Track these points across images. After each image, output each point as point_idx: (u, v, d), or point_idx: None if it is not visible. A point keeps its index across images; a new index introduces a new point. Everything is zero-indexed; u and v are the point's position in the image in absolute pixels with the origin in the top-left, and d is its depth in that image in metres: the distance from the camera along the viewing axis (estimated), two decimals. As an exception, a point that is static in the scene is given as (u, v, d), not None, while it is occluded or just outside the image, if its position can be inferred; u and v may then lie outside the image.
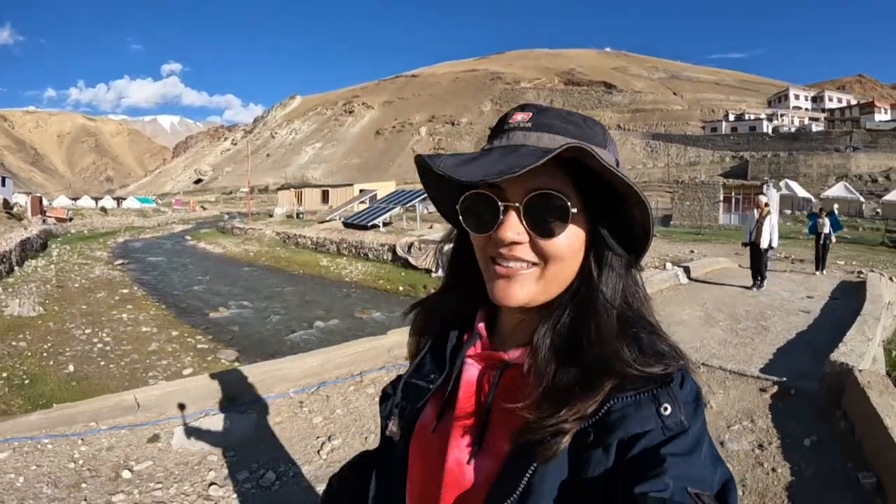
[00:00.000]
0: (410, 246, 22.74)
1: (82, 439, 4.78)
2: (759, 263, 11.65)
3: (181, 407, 5.16)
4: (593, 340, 0.82)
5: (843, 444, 4.34)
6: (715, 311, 9.17)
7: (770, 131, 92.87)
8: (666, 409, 0.76)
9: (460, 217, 0.89)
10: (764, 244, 11.53)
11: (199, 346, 13.32)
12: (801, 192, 43.31)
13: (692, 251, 16.98)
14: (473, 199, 0.87)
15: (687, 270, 12.70)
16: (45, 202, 67.85)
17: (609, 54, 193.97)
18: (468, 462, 0.88)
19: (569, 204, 0.82)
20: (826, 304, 9.73)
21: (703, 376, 5.88)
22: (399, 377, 1.05)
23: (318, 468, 4.47)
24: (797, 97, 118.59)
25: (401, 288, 20.26)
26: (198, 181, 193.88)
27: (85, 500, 4.01)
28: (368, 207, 35.72)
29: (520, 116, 0.87)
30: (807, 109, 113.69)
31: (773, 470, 4.10)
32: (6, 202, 48.58)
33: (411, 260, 22.19)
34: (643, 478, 0.71)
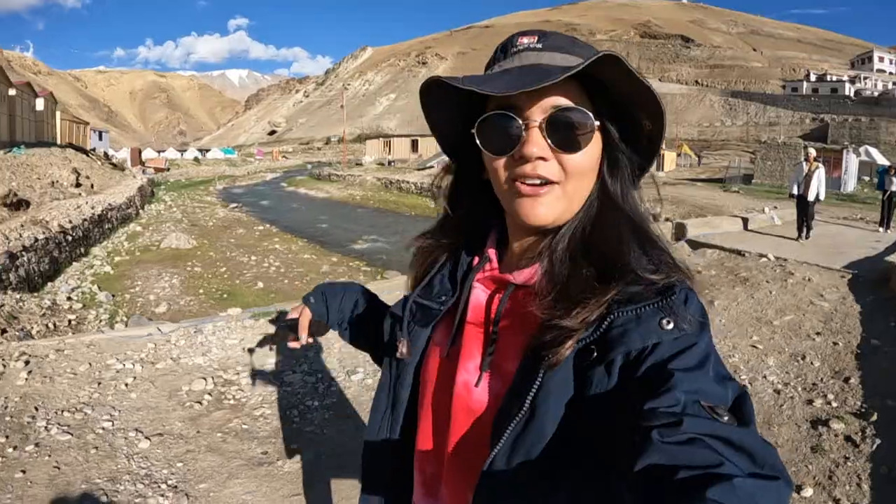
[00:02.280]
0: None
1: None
2: (804, 215, 11.83)
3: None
4: (604, 240, 0.85)
5: (887, 302, 6.98)
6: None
7: (852, 94, 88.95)
8: (668, 322, 0.76)
9: (478, 141, 0.89)
10: (811, 196, 11.71)
11: (362, 268, 15.17)
12: (882, 160, 41.77)
13: (775, 206, 18.47)
14: (494, 120, 0.87)
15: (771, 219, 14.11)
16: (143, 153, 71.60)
17: (685, 6, 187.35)
18: (476, 384, 0.90)
19: (592, 117, 0.84)
20: (890, 245, 11.43)
21: (809, 271, 8.40)
22: (405, 297, 1.07)
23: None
24: (881, 59, 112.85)
25: None
26: (272, 133, 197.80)
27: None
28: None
29: (526, 39, 0.88)
30: (891, 73, 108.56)
31: (848, 305, 6.90)
32: (106, 154, 52.12)
33: None
34: (653, 394, 0.70)
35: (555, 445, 0.78)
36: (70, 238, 18.84)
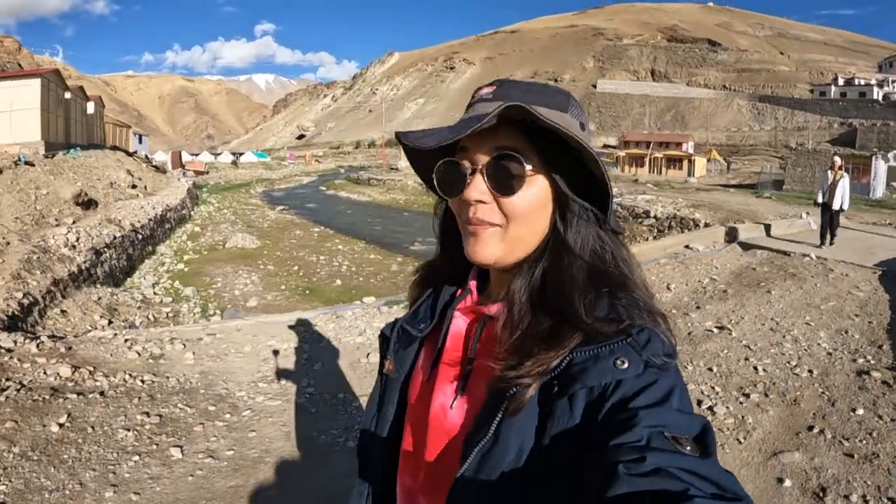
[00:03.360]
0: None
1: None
2: (830, 223, 12.05)
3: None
4: (557, 292, 0.87)
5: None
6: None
7: (880, 98, 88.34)
8: (623, 362, 0.78)
9: (436, 184, 0.96)
10: (836, 205, 11.93)
11: (427, 268, 16.60)
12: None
13: (807, 213, 19.38)
14: (445, 165, 0.94)
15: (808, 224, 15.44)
16: (184, 157, 72.85)
17: (712, 9, 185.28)
18: (451, 407, 0.95)
19: (523, 161, 0.87)
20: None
21: (846, 268, 9.85)
22: (396, 320, 1.13)
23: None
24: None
25: None
26: (300, 137, 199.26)
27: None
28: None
29: (485, 90, 0.93)
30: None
31: (879, 295, 8.17)
32: (147, 157, 53.50)
33: None
34: (618, 431, 0.72)
35: (518, 471, 0.82)
36: (140, 237, 19.82)
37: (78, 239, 16.20)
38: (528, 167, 0.88)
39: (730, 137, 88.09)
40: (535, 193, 0.89)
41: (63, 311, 11.40)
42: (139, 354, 6.21)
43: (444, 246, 1.10)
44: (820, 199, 12.36)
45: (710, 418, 4.70)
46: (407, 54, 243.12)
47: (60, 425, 4.53)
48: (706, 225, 16.24)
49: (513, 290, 0.92)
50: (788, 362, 5.88)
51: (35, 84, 33.24)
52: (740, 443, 4.37)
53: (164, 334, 6.92)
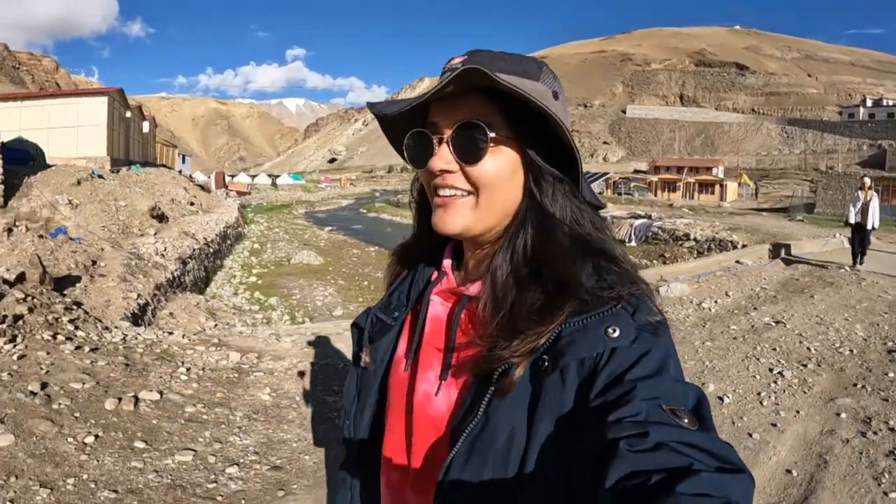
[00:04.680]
0: (603, 220, 27.15)
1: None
2: (861, 242, 12.56)
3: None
4: (551, 260, 0.86)
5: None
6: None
7: None
8: (614, 331, 0.78)
9: (405, 156, 0.96)
10: (869, 225, 12.47)
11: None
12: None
13: (836, 234, 19.51)
14: (413, 136, 0.94)
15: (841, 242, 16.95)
16: (227, 178, 74.50)
17: (739, 32, 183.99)
18: (435, 394, 0.93)
19: (486, 129, 0.86)
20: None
21: (877, 277, 11.29)
22: (368, 309, 1.12)
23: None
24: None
25: None
26: (332, 160, 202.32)
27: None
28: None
29: (456, 60, 0.91)
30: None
31: None
32: (190, 177, 55.46)
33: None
34: (615, 405, 0.72)
35: (510, 454, 0.81)
36: (211, 250, 21.29)
37: (165, 249, 17.74)
38: (492, 135, 0.87)
39: (759, 161, 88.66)
40: (503, 162, 0.89)
41: (171, 314, 12.78)
42: (294, 343, 7.25)
43: (419, 226, 1.08)
44: (852, 219, 12.75)
45: (780, 379, 6.41)
46: (437, 79, 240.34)
47: (269, 395, 5.61)
48: (744, 246, 17.72)
49: (494, 265, 0.91)
50: (833, 344, 7.55)
51: (102, 102, 35.40)
52: (805, 393, 6.08)
53: (302, 329, 8.16)
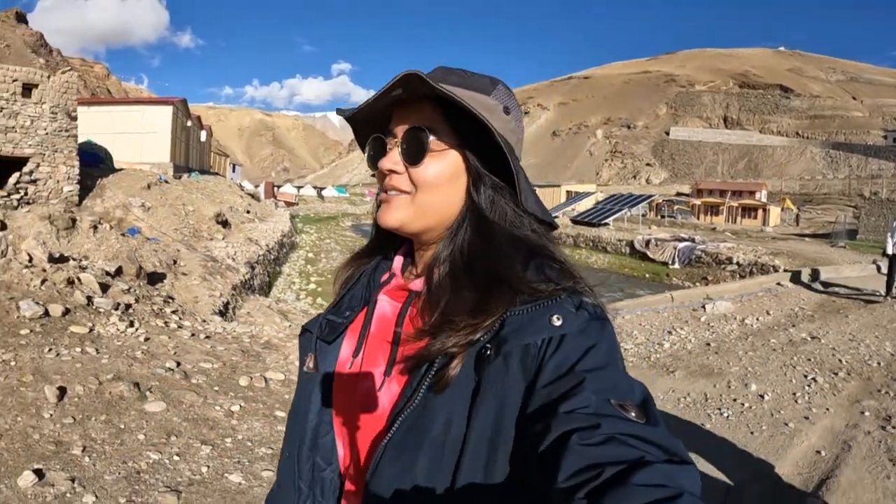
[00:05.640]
0: (648, 242, 27.91)
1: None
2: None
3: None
4: (486, 258, 0.89)
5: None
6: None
7: None
8: (558, 319, 0.80)
9: (367, 160, 1.03)
10: None
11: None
12: None
13: (874, 260, 19.48)
14: (372, 141, 1.01)
15: (878, 268, 17.31)
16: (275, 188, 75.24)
17: (783, 54, 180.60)
18: (379, 389, 0.94)
19: (430, 134, 0.92)
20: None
21: None
22: (318, 315, 1.12)
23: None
24: None
25: (647, 275, 25.51)
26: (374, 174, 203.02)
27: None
28: (594, 208, 42.01)
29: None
30: None
31: None
32: (241, 186, 56.56)
33: (649, 253, 27.30)
34: (564, 398, 0.72)
35: (446, 442, 0.82)
36: (272, 256, 22.28)
37: (235, 253, 18.87)
38: (434, 139, 0.92)
39: (803, 186, 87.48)
40: (445, 166, 0.93)
41: (248, 313, 13.84)
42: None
43: (374, 233, 1.12)
44: (890, 250, 12.27)
45: (812, 384, 7.34)
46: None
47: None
48: (785, 270, 18.34)
49: (431, 261, 0.96)
50: (863, 357, 8.45)
51: (168, 111, 36.96)
52: (834, 395, 7.00)
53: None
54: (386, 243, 1.10)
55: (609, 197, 45.41)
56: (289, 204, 61.00)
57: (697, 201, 58.10)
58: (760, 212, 51.91)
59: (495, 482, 0.80)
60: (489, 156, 0.92)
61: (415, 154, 0.93)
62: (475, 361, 0.83)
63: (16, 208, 17.01)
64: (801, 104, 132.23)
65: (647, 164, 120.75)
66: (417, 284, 0.99)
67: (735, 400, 6.87)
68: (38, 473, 4.31)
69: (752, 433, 5.99)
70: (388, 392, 0.93)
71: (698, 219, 52.32)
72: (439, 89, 0.87)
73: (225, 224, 23.83)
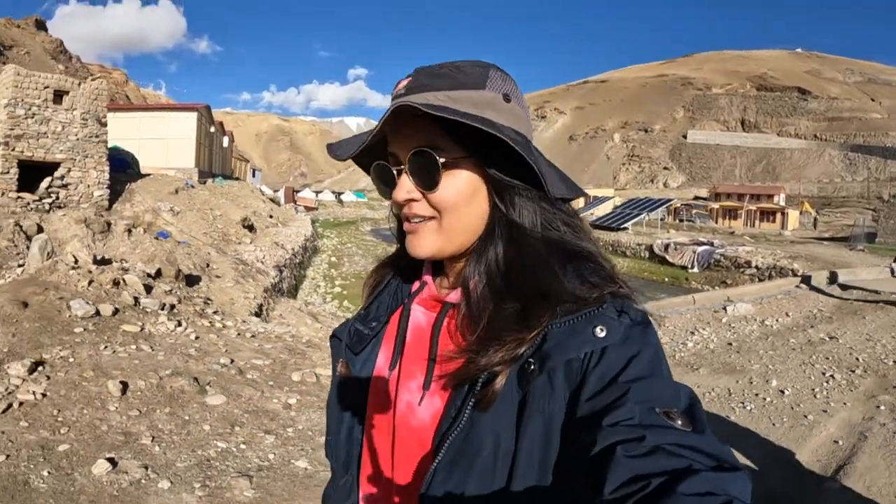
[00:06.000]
0: (667, 246, 28.13)
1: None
2: None
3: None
4: (526, 270, 0.86)
5: None
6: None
7: None
8: (602, 330, 0.78)
9: (376, 187, 0.98)
10: None
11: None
12: None
13: (892, 264, 21.06)
14: (377, 169, 0.96)
15: (892, 270, 17.51)
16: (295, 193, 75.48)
17: (800, 55, 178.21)
18: (419, 403, 0.92)
19: (436, 154, 0.87)
20: None
21: None
22: (347, 321, 1.11)
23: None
24: None
25: (666, 279, 25.80)
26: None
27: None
28: (612, 212, 42.18)
29: (402, 84, 0.92)
30: None
31: None
32: (261, 190, 56.88)
33: (668, 257, 27.58)
34: (608, 410, 0.72)
35: (497, 462, 0.81)
36: (297, 260, 22.59)
37: (264, 257, 19.24)
38: (443, 159, 0.88)
39: (822, 189, 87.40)
40: (462, 182, 0.89)
41: (280, 315, 14.12)
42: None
43: (400, 241, 1.05)
44: None
45: (830, 380, 7.71)
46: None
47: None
48: (796, 275, 18.44)
49: (466, 276, 0.93)
50: (879, 356, 8.77)
51: (192, 117, 37.55)
52: (851, 391, 7.36)
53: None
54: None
55: (628, 201, 45.73)
56: (308, 209, 61.03)
57: (716, 205, 58.05)
58: (779, 215, 51.72)
59: (548, 499, 0.80)
60: (503, 152, 0.86)
61: (427, 179, 0.90)
62: (518, 376, 0.82)
63: (47, 212, 17.52)
64: (819, 106, 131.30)
65: (665, 168, 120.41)
66: (453, 296, 0.96)
67: (757, 395, 7.26)
68: (112, 462, 4.63)
69: (773, 425, 6.39)
70: (430, 407, 0.91)
71: (717, 223, 52.34)
72: (433, 114, 0.83)
73: (251, 228, 24.21)
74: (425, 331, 0.97)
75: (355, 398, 1.04)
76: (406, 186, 0.91)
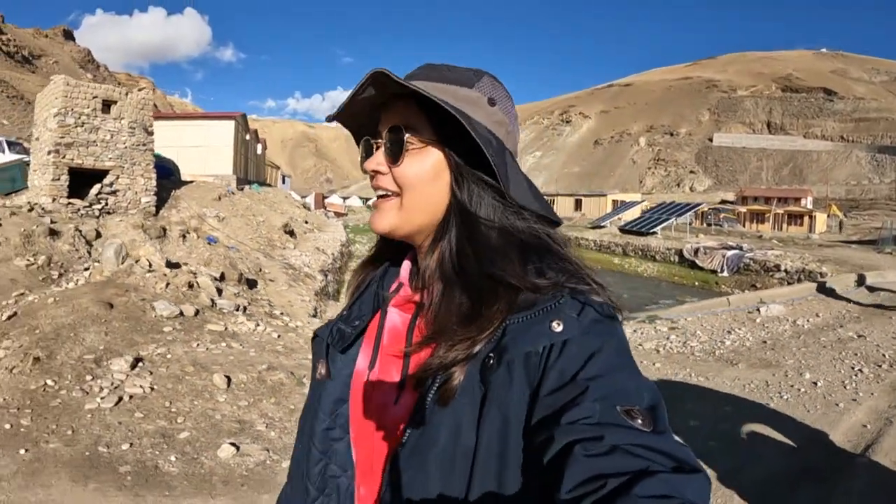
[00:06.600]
0: (696, 250, 28.47)
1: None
2: None
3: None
4: (474, 256, 0.86)
5: None
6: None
7: None
8: (558, 325, 0.77)
9: (359, 159, 1.01)
10: None
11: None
12: None
13: None
14: (364, 143, 0.99)
15: None
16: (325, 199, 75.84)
17: (825, 55, 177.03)
18: (395, 402, 0.92)
19: (407, 133, 0.90)
20: None
21: None
22: (329, 322, 1.10)
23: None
24: None
25: (696, 283, 26.22)
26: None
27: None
28: (641, 217, 42.45)
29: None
30: None
31: None
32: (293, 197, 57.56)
33: (698, 262, 27.84)
34: (567, 407, 0.71)
35: (456, 453, 0.80)
36: (337, 265, 22.75)
37: (309, 261, 19.71)
38: (412, 137, 0.91)
39: (849, 191, 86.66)
40: (427, 162, 0.91)
41: None
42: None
43: (385, 238, 1.05)
44: None
45: (859, 374, 8.40)
46: (522, 107, 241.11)
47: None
48: (818, 280, 18.94)
49: (423, 268, 0.94)
50: (905, 353, 9.41)
51: (230, 125, 38.08)
52: (878, 383, 8.02)
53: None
54: (390, 248, 1.09)
55: (656, 206, 45.83)
56: (338, 214, 61.29)
57: (743, 209, 57.91)
58: (806, 219, 51.67)
59: (509, 493, 0.78)
60: (475, 148, 0.87)
61: (395, 154, 0.92)
62: (480, 370, 0.81)
63: (97, 218, 18.12)
64: (846, 107, 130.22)
65: (691, 172, 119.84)
66: (425, 297, 0.96)
67: (792, 386, 7.96)
68: (235, 446, 5.06)
69: (808, 411, 7.11)
70: (405, 405, 0.91)
71: (744, 226, 52.23)
72: (408, 85, 0.87)
73: (292, 234, 24.70)
74: (401, 332, 0.98)
75: (333, 399, 1.04)
76: (377, 159, 0.96)
